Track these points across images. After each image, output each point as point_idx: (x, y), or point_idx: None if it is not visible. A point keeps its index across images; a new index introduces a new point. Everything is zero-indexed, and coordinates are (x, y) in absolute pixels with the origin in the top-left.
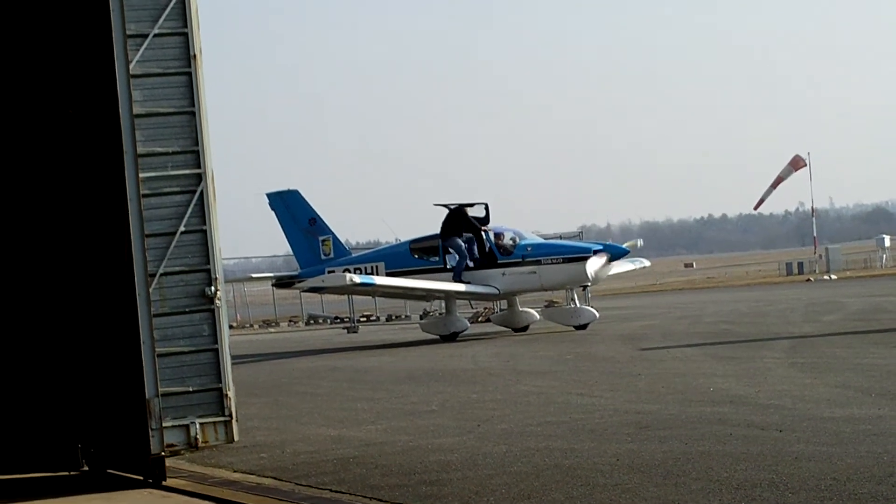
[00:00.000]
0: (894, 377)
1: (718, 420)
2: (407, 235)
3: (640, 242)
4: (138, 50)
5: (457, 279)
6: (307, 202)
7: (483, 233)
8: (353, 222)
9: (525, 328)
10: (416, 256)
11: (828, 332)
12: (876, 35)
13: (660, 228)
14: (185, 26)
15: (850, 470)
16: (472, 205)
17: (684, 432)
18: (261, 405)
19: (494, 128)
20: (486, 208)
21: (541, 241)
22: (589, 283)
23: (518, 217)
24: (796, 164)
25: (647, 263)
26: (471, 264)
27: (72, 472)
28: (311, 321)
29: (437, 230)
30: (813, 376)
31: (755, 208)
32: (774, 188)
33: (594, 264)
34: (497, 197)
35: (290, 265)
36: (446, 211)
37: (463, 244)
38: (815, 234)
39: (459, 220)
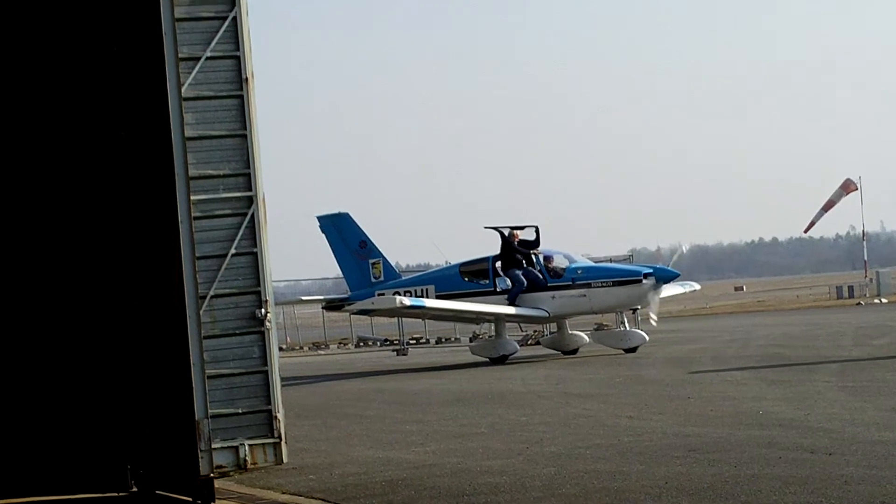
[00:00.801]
0: None
1: (768, 443)
2: (457, 258)
3: (684, 248)
4: (190, 73)
5: (510, 302)
6: (358, 225)
7: (533, 256)
8: (403, 245)
9: (574, 351)
10: (466, 279)
11: (878, 355)
12: None
13: (710, 251)
14: (238, 49)
15: None
16: (522, 227)
17: (733, 455)
18: (310, 427)
19: (545, 149)
20: (537, 231)
21: (591, 264)
22: (639, 307)
23: (568, 240)
24: (847, 187)
25: (696, 287)
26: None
27: (121, 493)
28: (361, 343)
29: (487, 253)
30: (863, 400)
31: (806, 231)
32: (826, 211)
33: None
34: (547, 219)
35: (340, 288)
36: (496, 233)
37: (521, 275)
38: (865, 258)
39: (511, 250)
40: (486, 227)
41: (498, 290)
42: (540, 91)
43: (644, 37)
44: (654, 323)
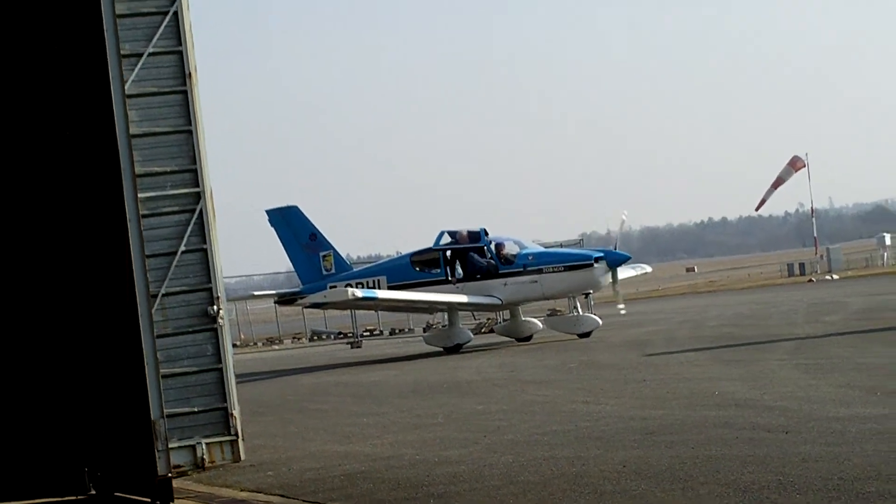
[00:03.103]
0: None
1: (724, 423)
2: (407, 248)
3: (625, 215)
4: (133, 70)
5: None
6: (307, 218)
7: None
8: (353, 237)
9: (528, 338)
10: (418, 269)
11: (831, 332)
12: (875, 32)
13: (660, 233)
14: (180, 44)
15: (857, 469)
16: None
17: (690, 437)
18: (266, 423)
19: (493, 135)
20: (484, 231)
21: (542, 249)
22: (591, 291)
23: (518, 226)
24: (795, 164)
25: (648, 269)
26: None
27: (79, 497)
28: (315, 337)
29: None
30: (817, 377)
31: (756, 209)
32: (775, 189)
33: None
34: (496, 206)
35: (292, 282)
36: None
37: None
38: (815, 235)
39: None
40: (435, 248)
41: (450, 278)
42: (492, 82)
43: (595, 26)
44: (622, 311)
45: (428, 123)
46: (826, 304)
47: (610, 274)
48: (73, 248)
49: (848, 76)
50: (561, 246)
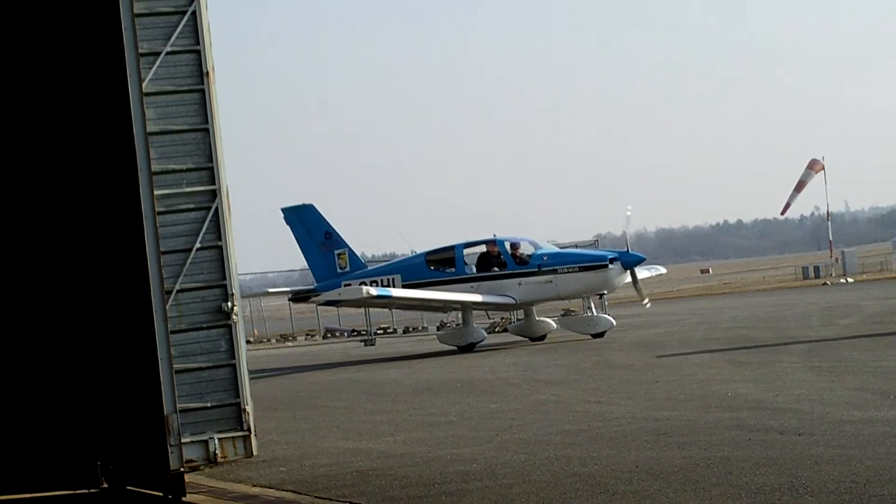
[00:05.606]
0: None
1: (737, 425)
2: (422, 247)
3: (628, 210)
4: (151, 68)
5: None
6: (322, 216)
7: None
8: (368, 235)
9: (542, 337)
10: (432, 268)
11: (845, 335)
12: (892, 36)
13: (675, 235)
14: (198, 43)
15: (870, 472)
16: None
17: (703, 438)
18: (279, 419)
19: (508, 136)
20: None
21: (556, 250)
22: (606, 292)
23: (533, 226)
24: (814, 167)
25: (662, 270)
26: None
27: (91, 490)
28: (329, 335)
29: (452, 242)
30: (831, 380)
31: (782, 213)
32: (798, 192)
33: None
34: (512, 206)
35: (307, 279)
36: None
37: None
38: (830, 238)
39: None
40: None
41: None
42: (507, 84)
43: (609, 27)
44: (647, 305)
45: (445, 123)
46: (841, 307)
47: (624, 275)
48: (90, 245)
49: (865, 78)
50: (576, 246)
